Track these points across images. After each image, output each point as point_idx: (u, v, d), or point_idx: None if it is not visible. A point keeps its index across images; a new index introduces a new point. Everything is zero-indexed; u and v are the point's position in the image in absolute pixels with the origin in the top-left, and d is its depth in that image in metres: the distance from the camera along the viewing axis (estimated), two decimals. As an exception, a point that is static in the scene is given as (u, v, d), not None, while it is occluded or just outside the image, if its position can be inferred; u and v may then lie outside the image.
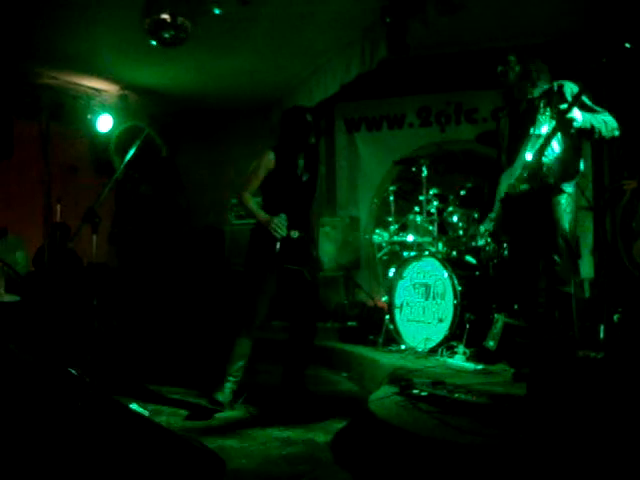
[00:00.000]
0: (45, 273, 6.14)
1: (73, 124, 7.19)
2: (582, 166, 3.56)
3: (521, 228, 3.54)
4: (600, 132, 3.31)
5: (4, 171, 6.81)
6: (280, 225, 3.74)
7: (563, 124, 3.26)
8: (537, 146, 3.36)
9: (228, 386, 3.81)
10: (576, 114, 3.23)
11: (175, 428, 3.39)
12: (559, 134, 3.36)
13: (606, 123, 3.32)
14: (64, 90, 6.98)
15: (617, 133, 3.37)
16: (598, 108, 3.40)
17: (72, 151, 7.52)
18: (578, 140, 3.46)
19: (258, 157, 3.89)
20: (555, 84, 3.49)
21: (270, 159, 3.84)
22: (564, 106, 3.26)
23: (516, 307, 4.39)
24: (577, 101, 3.25)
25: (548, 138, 3.33)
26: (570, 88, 3.42)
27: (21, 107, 6.71)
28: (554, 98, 3.42)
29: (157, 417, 3.55)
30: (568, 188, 3.44)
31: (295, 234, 3.83)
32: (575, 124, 3.23)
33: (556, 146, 3.40)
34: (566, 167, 3.41)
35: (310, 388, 4.01)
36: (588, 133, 3.32)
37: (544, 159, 3.36)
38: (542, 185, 3.39)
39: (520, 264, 3.55)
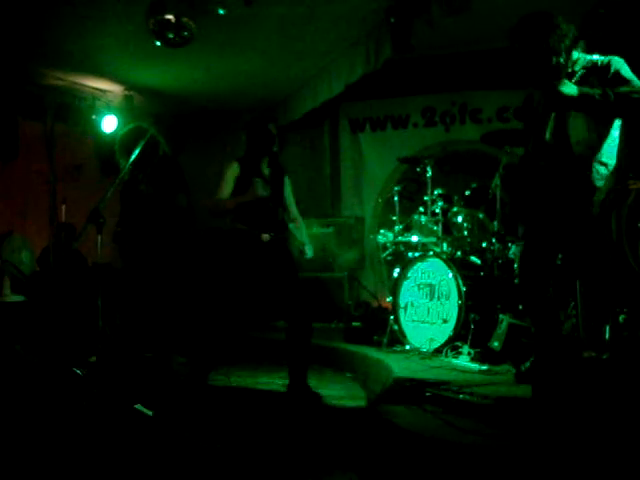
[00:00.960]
0: (50, 273, 6.16)
1: (78, 125, 7.20)
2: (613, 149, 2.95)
3: (541, 219, 3.10)
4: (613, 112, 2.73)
5: (9, 172, 6.83)
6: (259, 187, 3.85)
7: (552, 100, 2.72)
8: (552, 128, 2.86)
9: None
10: (567, 87, 2.66)
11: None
12: (573, 114, 2.79)
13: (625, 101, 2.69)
14: (69, 91, 7.00)
15: None
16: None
17: (77, 152, 7.54)
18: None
19: (224, 168, 4.00)
20: (602, 60, 2.89)
21: (234, 168, 3.97)
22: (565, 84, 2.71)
23: (521, 307, 4.38)
24: (577, 73, 2.75)
25: (553, 118, 2.82)
26: (615, 67, 2.82)
27: (26, 108, 6.74)
28: (598, 78, 2.82)
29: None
30: (600, 169, 2.91)
31: (267, 237, 3.95)
32: (564, 100, 2.66)
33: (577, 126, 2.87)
34: (592, 151, 2.89)
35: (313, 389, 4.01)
36: (597, 114, 2.71)
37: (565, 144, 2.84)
38: (564, 173, 2.91)
39: (535, 257, 3.16)
